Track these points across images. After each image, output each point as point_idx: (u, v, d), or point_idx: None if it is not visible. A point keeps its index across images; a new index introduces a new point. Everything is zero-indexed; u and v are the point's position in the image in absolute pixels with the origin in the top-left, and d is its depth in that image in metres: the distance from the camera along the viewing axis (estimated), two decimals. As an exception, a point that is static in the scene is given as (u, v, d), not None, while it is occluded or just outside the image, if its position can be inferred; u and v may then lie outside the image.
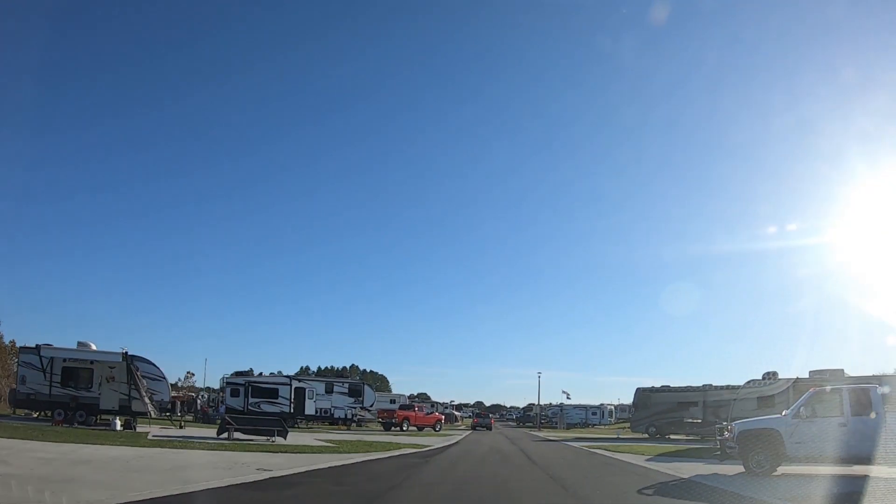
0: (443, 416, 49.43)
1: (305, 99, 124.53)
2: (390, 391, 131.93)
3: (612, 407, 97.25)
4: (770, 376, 30.26)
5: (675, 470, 16.24)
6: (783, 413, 15.20)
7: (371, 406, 48.04)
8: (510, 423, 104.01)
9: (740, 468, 15.35)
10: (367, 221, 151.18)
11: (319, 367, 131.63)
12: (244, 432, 24.30)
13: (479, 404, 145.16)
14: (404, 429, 44.31)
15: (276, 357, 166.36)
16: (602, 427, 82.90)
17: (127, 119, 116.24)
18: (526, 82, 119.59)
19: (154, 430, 26.60)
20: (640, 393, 46.62)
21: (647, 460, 20.27)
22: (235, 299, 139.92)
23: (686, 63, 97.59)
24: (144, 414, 28.87)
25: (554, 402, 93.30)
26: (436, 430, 46.44)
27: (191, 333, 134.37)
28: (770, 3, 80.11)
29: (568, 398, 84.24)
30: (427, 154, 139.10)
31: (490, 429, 62.19)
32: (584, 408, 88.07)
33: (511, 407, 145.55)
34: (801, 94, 79.54)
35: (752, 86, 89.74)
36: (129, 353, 29.04)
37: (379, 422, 47.30)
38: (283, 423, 24.07)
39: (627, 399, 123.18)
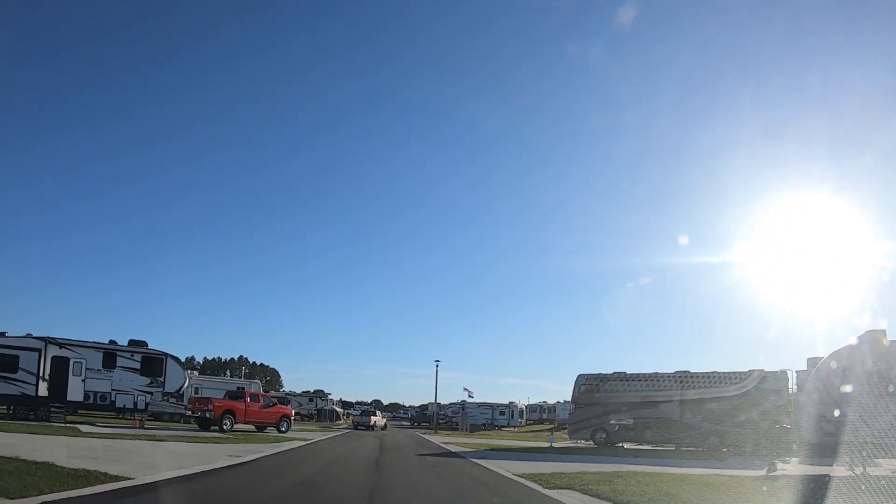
0: (291, 411, 32.66)
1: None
2: (281, 386, 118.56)
3: (524, 406, 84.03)
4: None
5: None
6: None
7: (179, 391, 30.76)
8: (405, 422, 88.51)
9: None
10: (268, 216, 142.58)
11: (206, 359, 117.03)
12: None
13: (377, 402, 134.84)
14: (226, 428, 27.58)
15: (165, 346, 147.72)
16: (512, 429, 69.38)
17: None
18: (494, 83, 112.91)
19: None
20: (584, 383, 32.15)
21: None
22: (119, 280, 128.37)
23: (655, 68, 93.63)
24: None
25: (455, 401, 79.20)
26: (281, 431, 30.03)
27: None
28: (738, 8, 75.96)
29: (471, 396, 70.94)
30: (345, 150, 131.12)
31: (371, 429, 47.25)
32: (491, 407, 74.13)
33: (410, 406, 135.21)
34: (768, 99, 77.87)
35: (720, 90, 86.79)
36: None
37: (190, 415, 30.21)
38: None
39: (538, 398, 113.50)
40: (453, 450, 24.47)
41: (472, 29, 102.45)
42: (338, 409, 74.79)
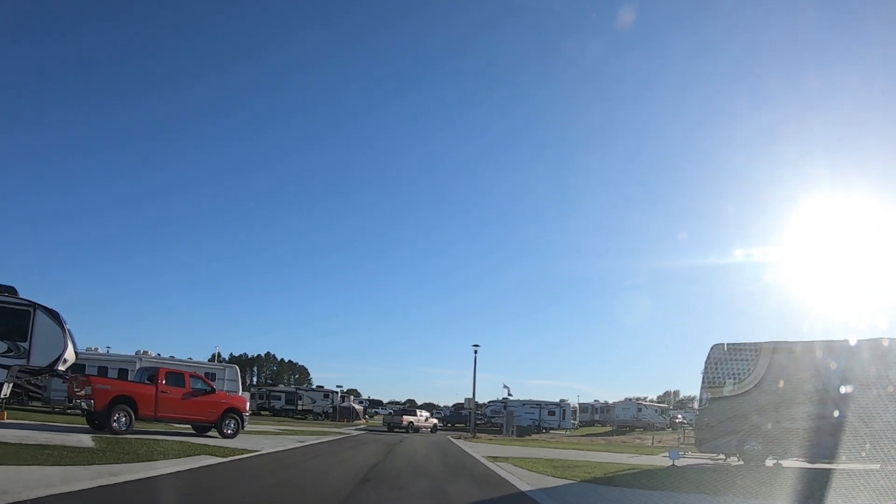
0: (244, 402, 20.46)
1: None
2: (310, 383, 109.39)
3: (577, 406, 71.34)
4: None
5: None
6: None
7: (54, 365, 18.87)
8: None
9: None
10: (284, 213, 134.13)
11: (232, 354, 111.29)
12: None
13: (411, 402, 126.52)
14: (118, 427, 15.99)
15: (190, 341, 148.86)
16: (564, 432, 56.68)
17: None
18: (494, 84, 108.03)
19: None
20: (725, 358, 19.37)
21: None
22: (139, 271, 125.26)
23: (653, 68, 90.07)
24: None
25: (495, 399, 67.07)
26: (225, 434, 18.32)
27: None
28: (735, 10, 72.68)
29: (510, 394, 59.16)
30: (373, 148, 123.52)
31: (408, 431, 38.18)
32: (538, 405, 61.85)
33: (444, 406, 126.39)
34: (764, 100, 76.07)
35: (716, 92, 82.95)
36: None
37: (70, 405, 18.59)
38: None
39: (587, 398, 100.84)
40: (512, 480, 11.98)
41: (485, 28, 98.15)
42: (356, 407, 63.01)
